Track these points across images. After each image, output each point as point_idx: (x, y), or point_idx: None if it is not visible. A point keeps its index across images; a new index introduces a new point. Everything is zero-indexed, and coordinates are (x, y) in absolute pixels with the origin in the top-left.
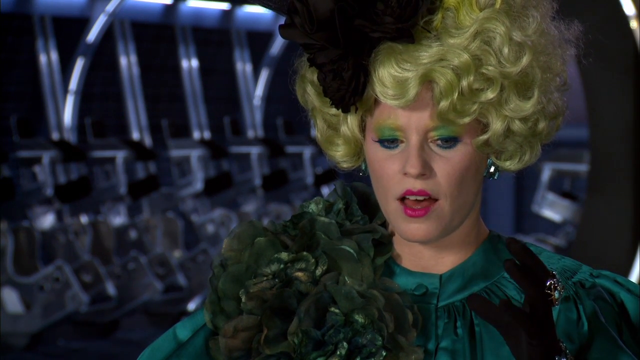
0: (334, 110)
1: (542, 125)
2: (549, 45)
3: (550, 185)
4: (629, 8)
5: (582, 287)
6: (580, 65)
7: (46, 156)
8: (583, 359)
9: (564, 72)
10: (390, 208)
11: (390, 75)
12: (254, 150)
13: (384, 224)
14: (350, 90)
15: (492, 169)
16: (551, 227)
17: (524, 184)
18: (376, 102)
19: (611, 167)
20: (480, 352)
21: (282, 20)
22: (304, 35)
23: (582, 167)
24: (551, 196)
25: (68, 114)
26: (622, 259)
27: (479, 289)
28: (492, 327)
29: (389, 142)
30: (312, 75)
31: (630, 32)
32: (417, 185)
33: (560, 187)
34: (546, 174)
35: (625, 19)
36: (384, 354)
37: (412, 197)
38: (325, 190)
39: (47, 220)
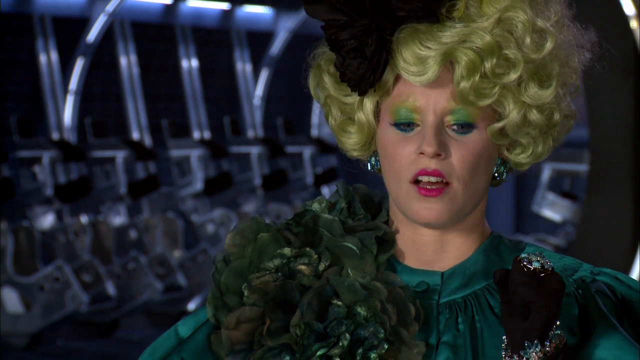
0: (349, 99)
1: (557, 117)
2: (567, 42)
3: (550, 185)
4: (629, 8)
5: (583, 282)
6: (587, 69)
7: (46, 156)
8: (583, 346)
9: (578, 73)
10: (402, 191)
11: (413, 53)
12: (254, 150)
13: (387, 223)
14: (372, 67)
15: (501, 168)
16: (551, 227)
17: (524, 184)
18: (394, 84)
19: (611, 167)
20: (481, 347)
21: (282, 20)
22: (330, 9)
23: (582, 167)
24: (551, 196)
25: (68, 114)
26: (622, 259)
27: (480, 287)
28: (494, 323)
29: (405, 125)
30: (328, 65)
31: (630, 32)
32: (431, 165)
33: (560, 187)
34: (546, 174)
35: (625, 19)
36: (386, 346)
37: (426, 178)
38: (325, 190)
39: (47, 220)
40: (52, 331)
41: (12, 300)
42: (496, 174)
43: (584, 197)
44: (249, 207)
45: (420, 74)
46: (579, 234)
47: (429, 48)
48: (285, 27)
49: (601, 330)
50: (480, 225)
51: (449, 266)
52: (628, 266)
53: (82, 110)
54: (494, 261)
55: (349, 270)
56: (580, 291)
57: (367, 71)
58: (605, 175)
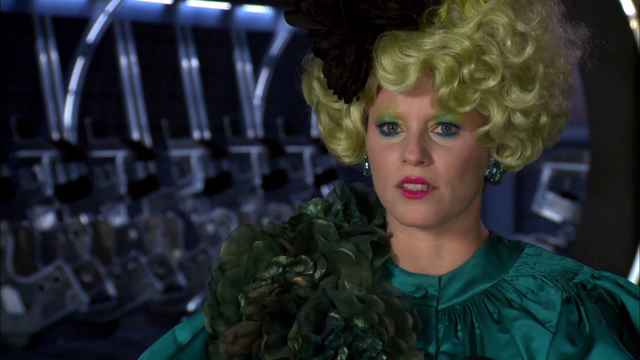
0: (337, 105)
1: (544, 120)
2: (553, 42)
3: (550, 185)
4: (629, 8)
5: (583, 288)
6: (580, 66)
7: (46, 156)
8: None
9: (568, 74)
10: (388, 195)
11: (393, 61)
12: (254, 150)
13: (383, 225)
14: (352, 76)
15: (494, 170)
16: (551, 227)
17: (524, 184)
18: (378, 91)
19: (611, 167)
20: (481, 354)
21: (282, 20)
22: (309, 20)
23: (582, 167)
24: (551, 196)
25: (68, 114)
26: (622, 259)
27: (479, 292)
28: (493, 330)
29: (389, 127)
30: (318, 71)
31: (630, 32)
32: (415, 172)
33: (560, 187)
34: (546, 174)
35: (625, 19)
36: (385, 358)
37: (411, 186)
38: (325, 190)
39: (47, 220)
40: (52, 331)
41: (12, 300)
42: (489, 176)
43: (584, 197)
44: (249, 207)
45: (399, 82)
46: (579, 234)
47: (409, 56)
48: (285, 27)
49: (601, 349)
50: (474, 228)
51: (446, 271)
52: (628, 266)
53: (82, 110)
54: (494, 263)
55: (345, 282)
56: (580, 297)
57: (349, 80)
58: (605, 175)
